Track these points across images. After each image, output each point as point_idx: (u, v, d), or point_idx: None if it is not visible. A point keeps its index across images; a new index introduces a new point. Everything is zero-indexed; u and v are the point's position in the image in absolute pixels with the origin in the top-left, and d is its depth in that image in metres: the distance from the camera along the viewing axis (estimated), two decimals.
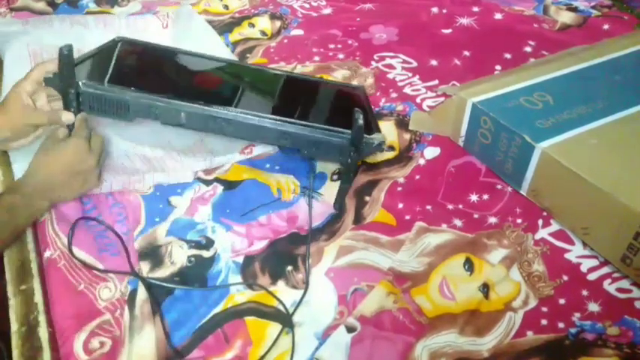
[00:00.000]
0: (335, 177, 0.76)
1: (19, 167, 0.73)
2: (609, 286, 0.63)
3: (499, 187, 0.75)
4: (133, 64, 0.79)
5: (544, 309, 0.61)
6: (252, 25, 1.11)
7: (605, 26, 1.05)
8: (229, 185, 0.75)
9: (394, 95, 0.91)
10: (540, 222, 0.69)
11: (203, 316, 0.60)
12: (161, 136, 0.79)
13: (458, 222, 0.70)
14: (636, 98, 0.75)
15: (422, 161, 0.78)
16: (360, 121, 0.64)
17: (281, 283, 0.63)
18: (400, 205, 0.72)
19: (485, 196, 0.73)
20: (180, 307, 0.61)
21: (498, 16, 1.10)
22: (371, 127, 0.71)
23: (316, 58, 1.01)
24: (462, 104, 0.77)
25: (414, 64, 0.98)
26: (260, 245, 0.67)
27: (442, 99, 0.88)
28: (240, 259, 0.66)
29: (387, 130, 0.83)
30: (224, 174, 0.76)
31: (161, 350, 0.57)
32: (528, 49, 1.00)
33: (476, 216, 0.71)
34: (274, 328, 0.59)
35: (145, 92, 0.69)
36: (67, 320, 0.59)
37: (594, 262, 0.65)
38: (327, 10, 1.18)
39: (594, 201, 0.63)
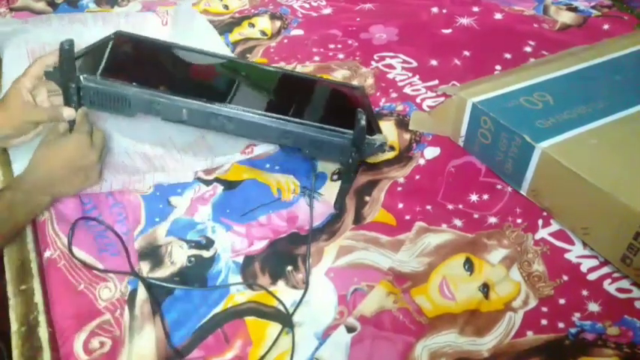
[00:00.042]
0: (335, 177, 0.76)
1: (18, 167, 0.72)
2: (609, 286, 0.63)
3: (499, 187, 0.75)
4: (133, 59, 0.79)
5: (544, 309, 0.61)
6: (252, 25, 1.11)
7: (605, 26, 1.05)
8: (229, 185, 0.75)
9: (394, 95, 0.91)
10: (540, 222, 0.69)
11: (203, 316, 0.60)
12: (162, 132, 0.78)
13: (458, 222, 0.70)
14: (636, 98, 0.75)
15: (422, 161, 0.78)
16: (363, 122, 0.64)
17: (281, 283, 0.63)
18: (400, 205, 0.72)
19: (485, 196, 0.73)
20: (180, 307, 0.61)
21: (498, 16, 1.10)
22: (372, 127, 0.71)
23: (316, 58, 1.01)
24: (462, 104, 0.77)
25: (414, 64, 0.98)
26: (260, 245, 0.67)
27: (442, 99, 0.88)
28: (240, 259, 0.66)
29: (387, 130, 0.83)
30: (224, 174, 0.76)
31: (161, 350, 0.57)
32: (528, 49, 1.00)
33: (476, 216, 0.71)
34: (274, 328, 0.59)
35: (146, 88, 0.69)
36: (67, 320, 0.59)
37: (594, 262, 0.65)
38: (327, 10, 1.18)
39: (594, 201, 0.63)
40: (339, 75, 0.96)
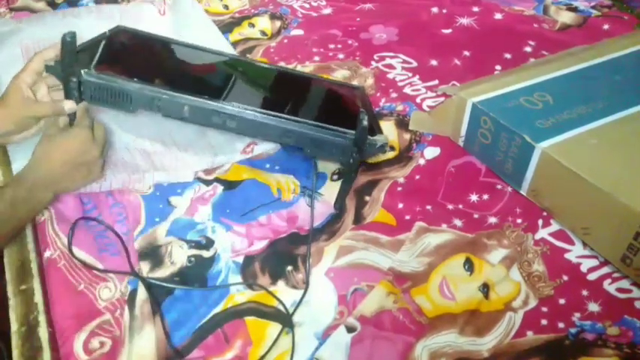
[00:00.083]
0: (335, 177, 0.76)
1: (18, 166, 0.72)
2: (609, 286, 0.63)
3: (499, 187, 0.75)
4: (134, 55, 0.78)
5: (544, 309, 0.61)
6: (252, 25, 1.11)
7: (605, 26, 1.05)
8: (229, 185, 0.75)
9: (394, 95, 0.91)
10: (540, 222, 0.69)
11: (203, 316, 0.60)
12: (162, 127, 0.78)
13: (458, 222, 0.70)
14: (636, 98, 0.75)
15: (422, 161, 0.78)
16: (365, 122, 0.65)
17: (281, 283, 0.63)
18: (400, 205, 0.72)
19: (485, 196, 0.73)
20: (180, 307, 0.61)
21: (498, 16, 1.10)
22: (372, 128, 0.71)
23: (316, 58, 1.01)
24: (462, 104, 0.77)
25: (414, 64, 0.98)
26: (260, 245, 0.67)
27: (442, 99, 0.88)
28: (240, 259, 0.66)
29: (387, 130, 0.83)
30: (224, 174, 0.76)
31: (161, 350, 0.57)
32: (528, 49, 1.00)
33: (476, 216, 0.71)
34: (274, 328, 0.59)
35: (147, 84, 0.68)
36: (67, 320, 0.59)
37: (594, 262, 0.65)
38: (327, 10, 1.18)
39: (594, 201, 0.63)
40: (339, 75, 0.96)
